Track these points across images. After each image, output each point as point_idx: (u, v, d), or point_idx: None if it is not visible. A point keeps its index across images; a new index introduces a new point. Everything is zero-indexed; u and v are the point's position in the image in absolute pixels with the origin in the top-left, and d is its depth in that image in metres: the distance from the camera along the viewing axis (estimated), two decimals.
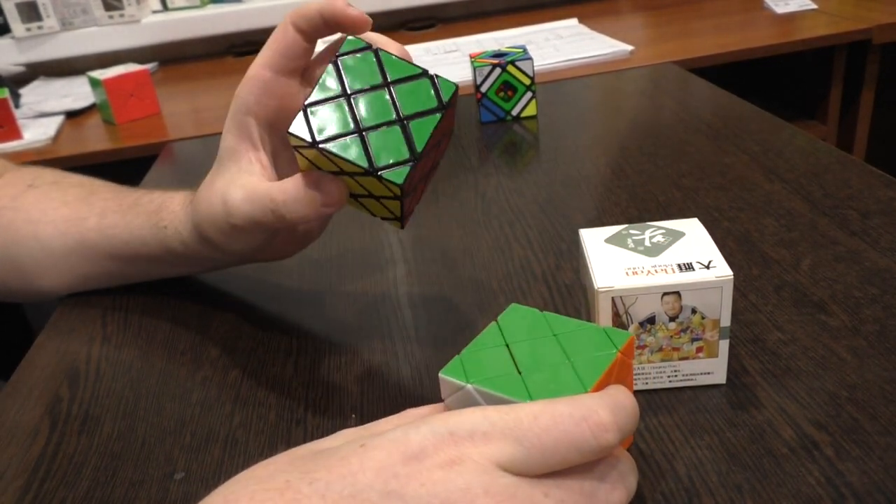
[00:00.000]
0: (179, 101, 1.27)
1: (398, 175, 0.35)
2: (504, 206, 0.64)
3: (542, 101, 0.89)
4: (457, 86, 0.37)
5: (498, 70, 0.82)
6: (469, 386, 0.30)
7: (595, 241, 0.41)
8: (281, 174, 0.43)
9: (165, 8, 1.52)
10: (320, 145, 0.35)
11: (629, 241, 0.40)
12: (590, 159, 0.72)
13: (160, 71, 1.50)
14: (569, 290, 0.50)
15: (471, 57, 0.86)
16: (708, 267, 0.37)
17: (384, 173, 0.35)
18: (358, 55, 0.37)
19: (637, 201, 0.62)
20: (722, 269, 0.37)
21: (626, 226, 0.42)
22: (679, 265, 0.38)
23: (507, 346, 0.32)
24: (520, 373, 0.30)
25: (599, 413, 0.26)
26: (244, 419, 0.42)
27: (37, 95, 1.37)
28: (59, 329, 0.54)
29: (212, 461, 0.39)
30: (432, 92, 0.36)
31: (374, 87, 0.36)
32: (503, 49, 0.86)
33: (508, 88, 0.84)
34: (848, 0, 1.34)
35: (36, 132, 1.15)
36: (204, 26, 1.49)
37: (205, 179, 0.45)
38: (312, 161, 0.38)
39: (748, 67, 1.31)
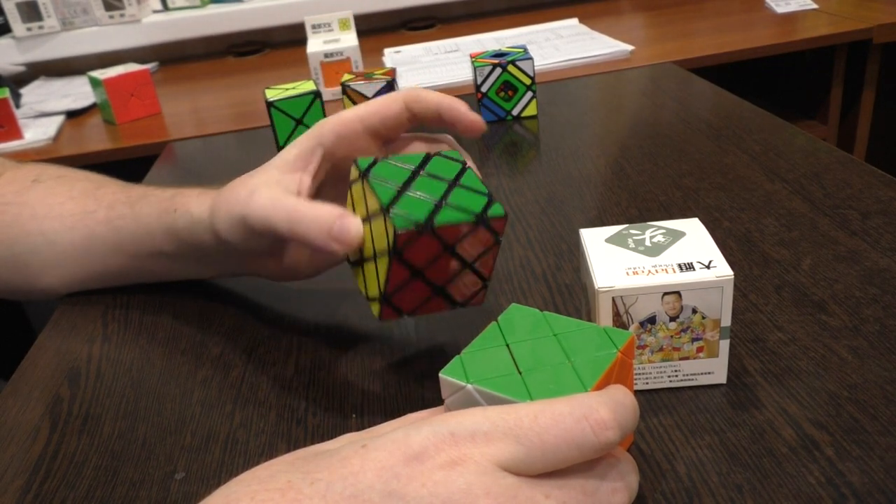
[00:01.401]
0: (180, 101, 1.27)
1: (402, 223, 0.35)
2: (504, 206, 0.64)
3: (543, 101, 0.89)
4: (506, 214, 0.37)
5: (498, 70, 0.82)
6: (469, 386, 0.30)
7: (595, 241, 0.41)
8: None
9: (166, 8, 1.52)
10: (368, 175, 0.38)
11: (629, 240, 0.40)
12: (590, 159, 0.72)
13: (160, 71, 1.50)
14: (569, 290, 0.50)
15: (471, 57, 0.86)
16: (708, 267, 0.37)
17: (393, 212, 0.36)
18: (449, 161, 0.40)
19: (637, 201, 0.62)
20: (722, 269, 0.37)
21: (626, 226, 0.42)
22: (679, 265, 0.38)
23: (508, 346, 0.32)
24: (520, 373, 0.30)
25: (599, 411, 0.26)
26: (244, 419, 0.42)
27: (37, 95, 1.37)
28: (60, 329, 0.54)
29: (212, 461, 0.39)
30: (481, 205, 0.37)
31: (440, 179, 0.39)
32: (503, 49, 0.86)
33: (509, 88, 0.84)
34: (848, 0, 1.34)
35: (36, 132, 1.15)
36: (204, 26, 1.49)
37: (245, 174, 0.46)
38: (353, 200, 0.40)
39: (748, 67, 1.31)
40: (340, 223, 0.38)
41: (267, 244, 0.45)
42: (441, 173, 0.39)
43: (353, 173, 0.40)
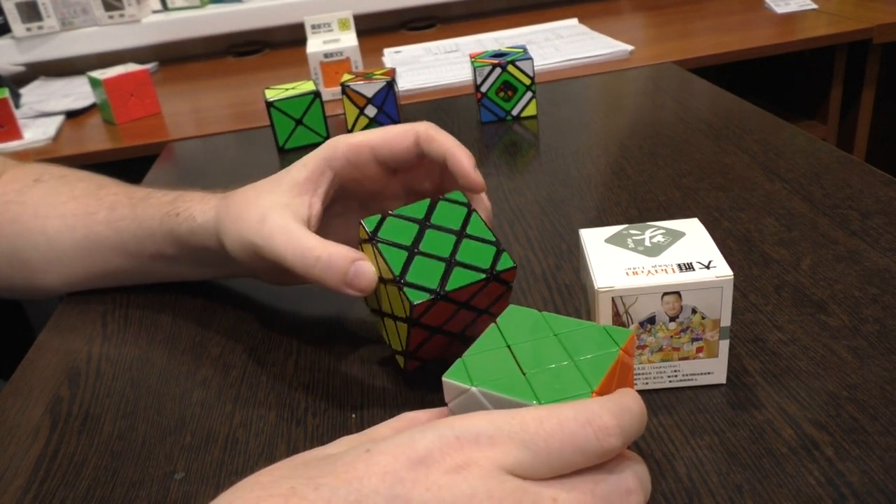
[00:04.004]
0: (179, 101, 1.27)
1: (416, 296, 0.36)
2: (504, 206, 0.64)
3: (542, 101, 0.89)
4: (514, 266, 0.38)
5: (498, 70, 0.82)
6: (473, 388, 0.30)
7: (595, 241, 0.41)
8: (320, 232, 0.44)
9: (165, 8, 1.52)
10: (376, 241, 0.39)
11: (629, 241, 0.40)
12: (590, 159, 0.72)
13: (160, 71, 1.50)
14: (569, 290, 0.50)
15: (471, 57, 0.86)
16: (708, 267, 0.37)
17: (405, 285, 0.37)
18: (454, 205, 0.41)
19: (637, 201, 0.62)
20: (722, 269, 0.37)
21: (626, 226, 0.42)
22: (679, 265, 0.38)
23: (509, 347, 0.32)
24: (524, 374, 0.30)
25: (603, 417, 0.26)
26: (244, 419, 0.42)
27: (37, 95, 1.37)
28: (60, 328, 0.54)
29: (212, 461, 0.39)
30: (490, 258, 0.39)
31: (448, 231, 0.40)
32: (503, 49, 0.86)
33: (508, 88, 0.84)
34: (848, 0, 1.34)
35: (36, 132, 1.15)
36: (204, 26, 1.49)
37: (247, 186, 0.46)
38: (365, 253, 0.41)
39: (748, 67, 1.31)
40: (355, 270, 0.39)
41: (272, 265, 0.45)
42: (447, 223, 0.40)
43: (362, 233, 0.40)
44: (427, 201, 0.41)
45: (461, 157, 0.43)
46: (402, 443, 0.26)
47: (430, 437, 0.26)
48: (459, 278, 0.37)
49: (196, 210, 0.48)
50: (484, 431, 0.26)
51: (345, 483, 0.25)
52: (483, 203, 0.44)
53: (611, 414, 0.26)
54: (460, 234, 0.39)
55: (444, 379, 0.30)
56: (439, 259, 0.38)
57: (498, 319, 0.34)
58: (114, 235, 0.52)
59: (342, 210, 0.47)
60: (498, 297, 0.40)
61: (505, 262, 0.38)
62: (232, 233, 0.44)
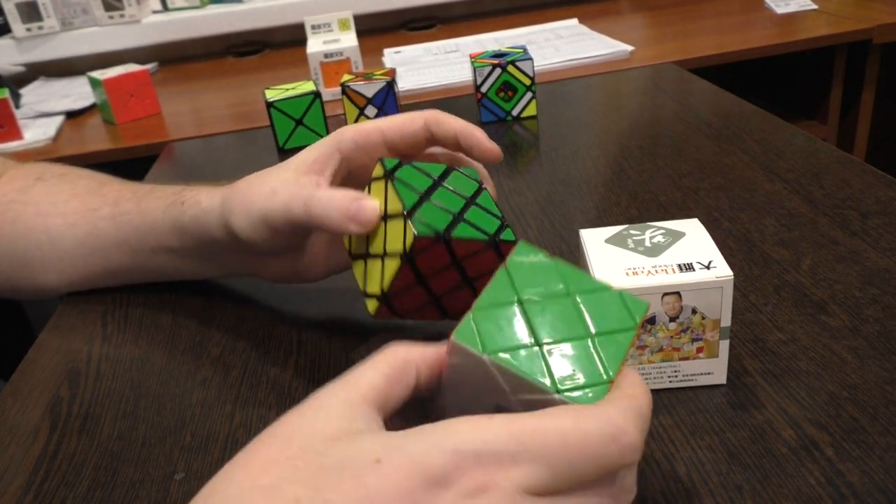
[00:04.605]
0: (179, 101, 1.27)
1: (422, 229, 0.36)
2: (504, 206, 0.64)
3: (542, 101, 0.89)
4: (516, 240, 0.38)
5: (498, 70, 0.82)
6: (486, 358, 0.27)
7: (595, 242, 0.41)
8: None
9: (165, 8, 1.52)
10: (393, 177, 0.39)
11: (629, 241, 0.40)
12: (590, 159, 0.72)
13: (160, 71, 1.50)
14: None
15: (471, 57, 0.86)
16: (708, 267, 0.37)
17: (414, 218, 0.37)
18: (467, 179, 0.41)
19: (637, 201, 0.62)
20: (722, 270, 0.37)
21: (626, 226, 0.42)
22: (679, 265, 0.38)
23: (521, 303, 0.29)
24: (539, 345, 0.28)
25: (629, 433, 0.25)
26: (244, 419, 0.42)
27: (37, 95, 1.37)
28: (60, 329, 0.54)
29: (212, 461, 0.39)
30: (495, 227, 0.39)
31: (459, 195, 0.40)
32: (503, 49, 0.86)
33: (508, 89, 0.84)
34: (848, 0, 1.34)
35: (36, 132, 1.15)
36: (204, 26, 1.49)
37: (257, 172, 0.46)
38: (370, 195, 0.41)
39: (748, 67, 1.31)
40: (357, 204, 0.39)
41: (280, 243, 0.44)
42: (460, 189, 0.40)
43: (378, 171, 0.40)
44: (444, 166, 0.41)
45: (472, 130, 0.44)
46: (416, 458, 0.24)
47: (448, 455, 0.24)
48: (465, 231, 0.37)
49: (202, 197, 0.48)
50: (506, 449, 0.25)
51: (356, 501, 0.24)
52: (491, 186, 0.45)
53: (635, 428, 0.26)
54: (470, 201, 0.40)
55: (453, 340, 0.28)
56: (448, 211, 0.38)
57: (508, 261, 0.31)
58: (116, 231, 0.52)
59: None
60: (487, 272, 0.38)
61: (508, 235, 0.38)
62: (240, 210, 0.44)
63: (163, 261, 0.52)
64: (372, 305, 0.40)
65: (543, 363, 0.27)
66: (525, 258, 0.31)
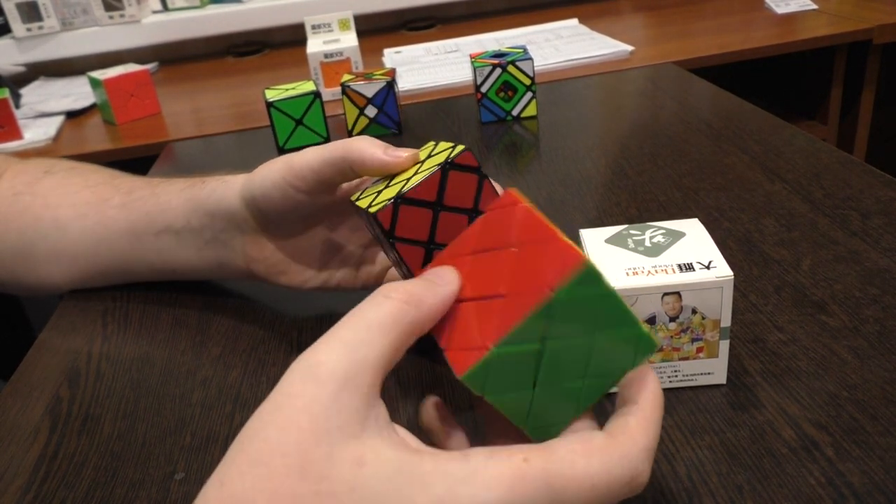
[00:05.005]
0: (180, 101, 1.27)
1: (379, 209, 0.36)
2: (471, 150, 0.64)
3: (543, 101, 0.89)
4: (467, 148, 0.37)
5: (498, 70, 0.82)
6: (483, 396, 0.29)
7: (595, 242, 0.41)
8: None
9: (165, 8, 1.52)
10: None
11: (629, 241, 0.40)
12: (590, 159, 0.72)
13: (160, 71, 1.50)
14: None
15: (471, 57, 0.86)
16: (708, 267, 0.37)
17: (372, 208, 0.37)
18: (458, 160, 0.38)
19: (637, 201, 0.62)
20: (722, 270, 0.37)
21: (626, 226, 0.42)
22: (679, 265, 0.38)
23: (543, 342, 0.28)
24: (534, 386, 0.29)
25: (644, 473, 0.27)
26: (244, 419, 0.42)
27: (37, 95, 1.37)
28: (60, 328, 0.54)
29: (212, 461, 0.39)
30: (451, 153, 0.37)
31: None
32: (503, 49, 0.86)
33: (509, 89, 0.84)
34: (848, 0, 1.34)
35: (36, 132, 1.15)
36: (204, 26, 1.49)
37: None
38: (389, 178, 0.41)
39: (748, 67, 1.31)
40: (392, 148, 0.40)
41: (292, 205, 0.44)
42: (434, 158, 0.40)
43: (424, 152, 0.40)
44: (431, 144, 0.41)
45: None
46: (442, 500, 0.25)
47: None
48: (420, 176, 0.37)
49: (227, 177, 0.48)
50: (543, 500, 0.25)
51: None
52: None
53: (649, 465, 0.27)
54: (444, 164, 0.37)
55: (461, 379, 0.29)
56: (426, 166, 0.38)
57: (556, 292, 0.28)
58: (125, 217, 0.52)
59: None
60: (478, 190, 0.38)
61: (458, 151, 0.37)
62: (263, 169, 0.44)
63: (163, 245, 0.51)
64: (375, 207, 0.37)
65: (528, 406, 0.29)
66: (580, 291, 0.29)
